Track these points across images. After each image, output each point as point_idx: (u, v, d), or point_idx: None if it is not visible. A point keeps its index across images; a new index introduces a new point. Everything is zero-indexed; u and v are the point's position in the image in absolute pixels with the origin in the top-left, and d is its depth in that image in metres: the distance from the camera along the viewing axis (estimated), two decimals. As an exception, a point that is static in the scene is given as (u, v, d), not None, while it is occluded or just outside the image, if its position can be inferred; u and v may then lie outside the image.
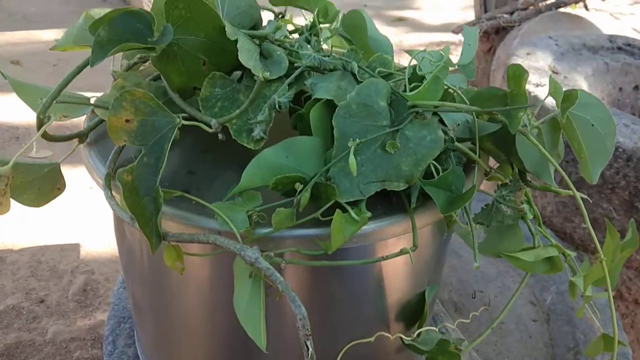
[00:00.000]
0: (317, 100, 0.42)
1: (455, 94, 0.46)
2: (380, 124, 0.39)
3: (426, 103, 0.39)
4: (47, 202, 0.52)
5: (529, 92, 1.06)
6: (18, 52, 2.47)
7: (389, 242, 0.42)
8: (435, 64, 0.40)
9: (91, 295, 1.43)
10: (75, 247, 1.54)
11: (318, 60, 0.43)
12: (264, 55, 0.48)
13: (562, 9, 2.14)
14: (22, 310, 1.36)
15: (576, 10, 2.22)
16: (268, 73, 0.40)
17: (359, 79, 0.43)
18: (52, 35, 2.61)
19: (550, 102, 1.03)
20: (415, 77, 0.43)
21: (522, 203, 0.48)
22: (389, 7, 3.35)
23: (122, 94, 0.40)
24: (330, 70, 0.44)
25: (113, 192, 0.43)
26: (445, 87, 0.46)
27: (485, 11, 2.33)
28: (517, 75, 0.40)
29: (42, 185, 0.50)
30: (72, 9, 2.87)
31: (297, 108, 0.45)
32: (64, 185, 0.53)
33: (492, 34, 2.30)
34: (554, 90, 0.41)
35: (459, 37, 2.46)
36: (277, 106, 0.43)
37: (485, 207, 0.46)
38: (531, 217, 0.54)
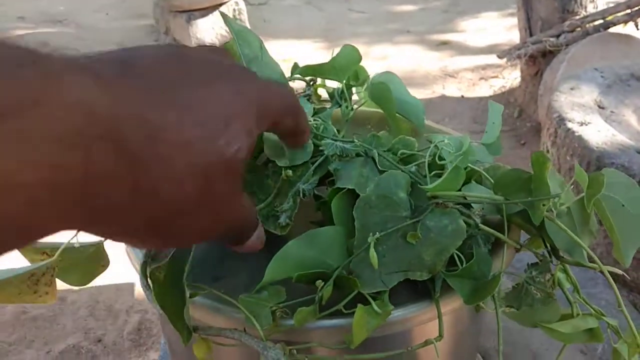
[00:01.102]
0: (340, 188, 0.43)
1: (480, 172, 0.46)
2: (401, 214, 0.40)
3: (446, 194, 0.40)
4: (92, 279, 0.55)
5: (573, 132, 1.04)
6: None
7: (415, 329, 0.43)
8: (454, 154, 0.40)
9: (145, 335, 1.48)
10: (130, 287, 1.60)
11: (340, 148, 0.44)
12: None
13: (610, 29, 2.08)
14: (81, 349, 1.42)
15: (626, 28, 2.15)
16: (290, 172, 0.42)
17: (378, 166, 0.43)
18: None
19: (595, 143, 1.00)
20: (436, 164, 0.43)
21: (552, 280, 0.47)
22: (432, 31, 3.35)
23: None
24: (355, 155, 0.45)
25: (149, 281, 0.45)
26: (469, 168, 0.46)
27: (531, 35, 2.29)
28: (540, 162, 0.39)
29: (87, 265, 0.53)
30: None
31: (320, 195, 0.46)
32: (108, 262, 0.55)
33: (539, 57, 2.26)
34: (578, 176, 0.40)
35: (504, 61, 2.43)
36: (301, 194, 0.44)
37: (515, 287, 0.45)
38: (568, 285, 0.53)
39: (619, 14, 2.07)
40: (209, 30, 2.86)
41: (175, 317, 0.39)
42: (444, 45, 3.15)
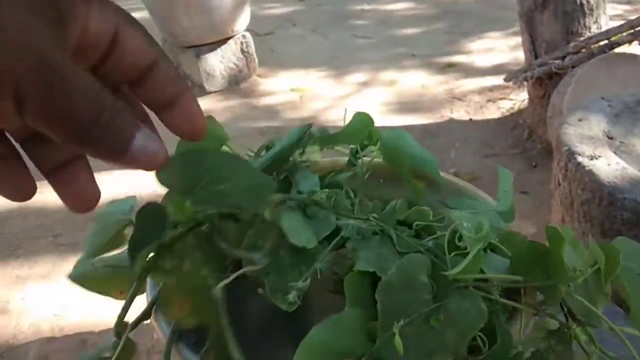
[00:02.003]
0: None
1: (495, 244, 0.48)
2: (423, 298, 0.41)
3: (468, 277, 0.41)
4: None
5: (584, 167, 1.04)
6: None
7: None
8: (474, 239, 0.41)
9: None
10: (149, 327, 1.61)
11: (357, 229, 0.46)
12: (307, 215, 0.51)
13: (615, 50, 2.09)
14: (103, 395, 1.43)
15: (632, 48, 2.16)
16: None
17: (397, 247, 0.45)
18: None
19: (605, 178, 1.01)
20: (453, 244, 0.45)
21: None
22: (437, 53, 3.37)
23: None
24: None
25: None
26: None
27: (536, 57, 2.31)
28: (556, 240, 0.41)
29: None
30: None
31: (336, 274, 0.47)
32: None
33: (545, 80, 2.27)
34: (593, 251, 0.41)
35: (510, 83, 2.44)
36: (318, 274, 0.46)
37: (533, 354, 0.46)
38: (585, 337, 0.54)
39: (623, 34, 2.09)
40: (217, 64, 2.91)
41: None
42: (450, 67, 3.17)
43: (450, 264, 0.42)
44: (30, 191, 0.31)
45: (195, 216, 0.44)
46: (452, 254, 0.43)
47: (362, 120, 0.63)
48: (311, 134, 0.65)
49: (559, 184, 1.17)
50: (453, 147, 2.38)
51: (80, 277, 0.54)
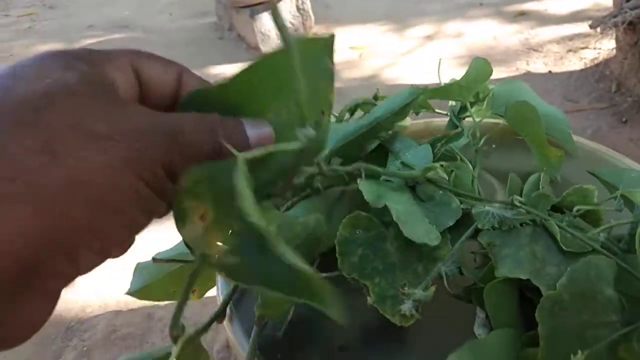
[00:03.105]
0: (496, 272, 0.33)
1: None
2: (608, 319, 0.29)
3: (672, 289, 0.28)
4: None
5: None
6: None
7: None
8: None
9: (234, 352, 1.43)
10: (215, 301, 1.56)
11: (499, 218, 0.33)
12: (419, 197, 0.39)
13: None
14: (171, 369, 1.40)
15: None
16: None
17: (562, 244, 0.32)
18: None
19: None
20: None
21: None
22: (507, 1, 3.11)
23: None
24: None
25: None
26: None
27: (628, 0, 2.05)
28: None
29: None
30: (193, 50, 2.99)
31: (461, 272, 0.35)
32: None
33: (639, 25, 2.01)
34: None
35: (596, 30, 2.19)
36: (444, 279, 0.34)
37: None
38: None
39: None
40: (272, 24, 2.79)
41: None
42: (521, 16, 2.92)
43: (644, 269, 0.30)
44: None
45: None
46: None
47: (481, 69, 0.50)
48: (420, 89, 0.53)
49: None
50: (530, 103, 2.17)
51: (140, 289, 0.44)
